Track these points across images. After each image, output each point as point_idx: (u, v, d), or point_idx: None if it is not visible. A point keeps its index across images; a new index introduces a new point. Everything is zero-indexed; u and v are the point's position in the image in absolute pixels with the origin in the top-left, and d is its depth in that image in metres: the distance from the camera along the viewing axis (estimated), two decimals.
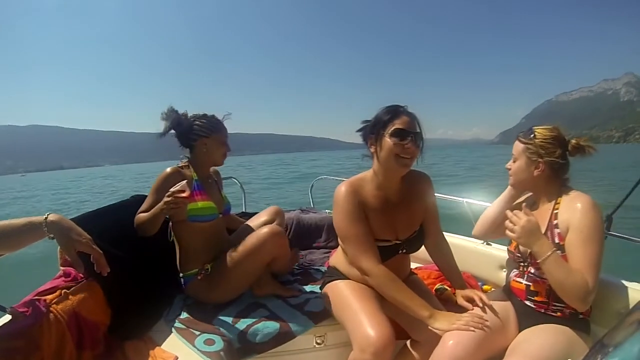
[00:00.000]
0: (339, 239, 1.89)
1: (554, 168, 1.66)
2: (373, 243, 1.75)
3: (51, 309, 1.54)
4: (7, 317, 1.40)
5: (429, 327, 1.63)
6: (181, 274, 2.18)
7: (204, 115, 2.20)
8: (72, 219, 1.79)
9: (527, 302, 1.70)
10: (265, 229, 2.08)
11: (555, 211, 1.63)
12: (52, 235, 1.26)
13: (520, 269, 1.74)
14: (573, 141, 1.66)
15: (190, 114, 2.19)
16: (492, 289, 2.05)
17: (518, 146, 1.73)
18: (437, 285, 2.25)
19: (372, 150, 1.75)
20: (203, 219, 2.09)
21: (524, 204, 1.66)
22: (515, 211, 1.61)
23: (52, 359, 1.45)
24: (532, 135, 1.68)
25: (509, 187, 1.91)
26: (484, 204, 2.60)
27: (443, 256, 2.02)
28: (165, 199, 1.79)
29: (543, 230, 1.60)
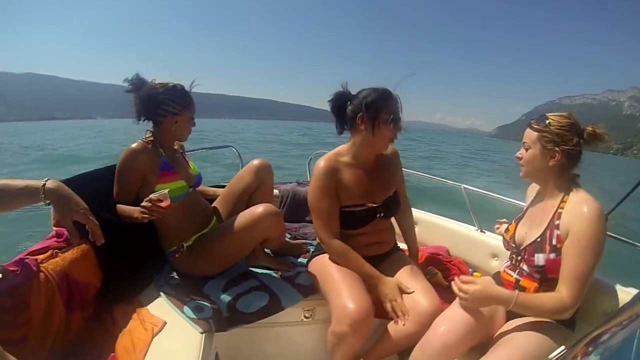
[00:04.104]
0: None
1: (569, 158, 1.53)
2: (335, 220, 1.88)
3: (42, 268, 1.51)
4: None
5: (412, 310, 1.70)
6: (164, 251, 2.10)
7: (173, 88, 1.96)
8: (66, 180, 1.76)
9: None
10: (260, 208, 1.97)
11: (560, 210, 1.53)
12: (48, 202, 1.22)
13: (513, 262, 1.69)
14: (589, 128, 1.53)
15: (156, 82, 1.95)
16: (482, 276, 2.04)
17: (531, 134, 1.59)
18: (428, 268, 2.23)
19: (362, 128, 1.82)
20: (174, 199, 1.82)
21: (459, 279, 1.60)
22: (460, 284, 1.56)
23: (41, 318, 1.44)
24: (547, 122, 1.55)
25: None
26: (481, 191, 2.57)
27: (404, 225, 2.17)
28: (144, 204, 1.66)
29: (542, 228, 1.55)
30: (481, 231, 2.49)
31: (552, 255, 1.49)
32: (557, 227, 1.50)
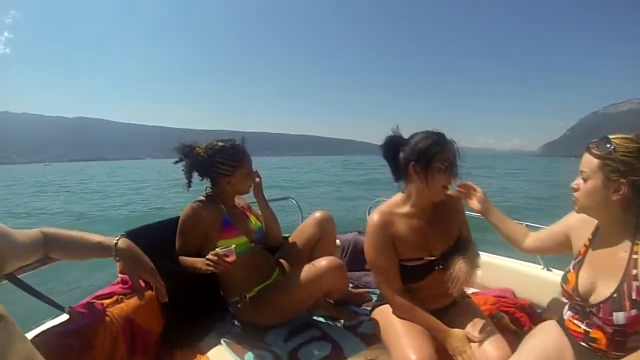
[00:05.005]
0: None
1: (636, 190, 1.26)
2: (396, 274, 1.75)
3: (107, 312, 1.53)
4: (65, 316, 1.41)
5: (478, 357, 1.55)
6: (227, 301, 2.07)
7: (222, 149, 1.95)
8: (132, 231, 1.82)
9: (583, 344, 1.43)
10: (324, 262, 1.93)
11: (635, 256, 1.28)
12: (118, 259, 1.31)
13: (580, 313, 1.46)
14: None
15: (204, 145, 1.97)
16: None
17: (591, 161, 1.32)
18: (494, 312, 2.08)
19: (415, 177, 1.68)
20: (236, 255, 1.75)
21: None
22: None
23: (104, 359, 1.43)
24: (610, 147, 1.27)
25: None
26: (544, 227, 2.44)
27: None
28: (209, 257, 1.68)
29: (617, 281, 1.29)
30: (547, 269, 2.32)
31: (633, 312, 1.24)
32: (636, 277, 1.26)
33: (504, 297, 2.21)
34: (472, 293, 2.27)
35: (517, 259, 2.54)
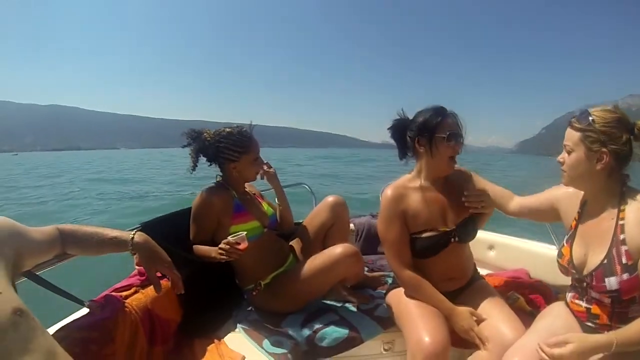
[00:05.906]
0: None
1: (618, 159, 1.30)
2: (406, 249, 1.75)
3: (126, 304, 1.53)
4: (85, 310, 1.41)
5: (496, 341, 1.52)
6: (242, 288, 2.08)
7: (229, 134, 1.96)
8: (146, 223, 1.83)
9: (588, 324, 1.42)
10: (339, 249, 1.91)
11: (621, 222, 1.30)
12: (134, 253, 1.31)
13: (579, 290, 1.46)
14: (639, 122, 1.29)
15: (212, 131, 1.99)
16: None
17: (573, 134, 1.35)
18: (509, 294, 2.06)
19: (422, 151, 1.74)
20: (249, 239, 1.77)
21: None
22: (549, 350, 1.25)
23: (124, 351, 1.44)
24: (590, 119, 1.31)
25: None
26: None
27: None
28: (221, 246, 1.71)
29: (606, 247, 1.31)
30: None
31: (625, 276, 1.25)
32: (624, 242, 1.27)
33: (519, 278, 2.19)
34: (487, 274, 2.26)
35: (531, 240, 2.51)
